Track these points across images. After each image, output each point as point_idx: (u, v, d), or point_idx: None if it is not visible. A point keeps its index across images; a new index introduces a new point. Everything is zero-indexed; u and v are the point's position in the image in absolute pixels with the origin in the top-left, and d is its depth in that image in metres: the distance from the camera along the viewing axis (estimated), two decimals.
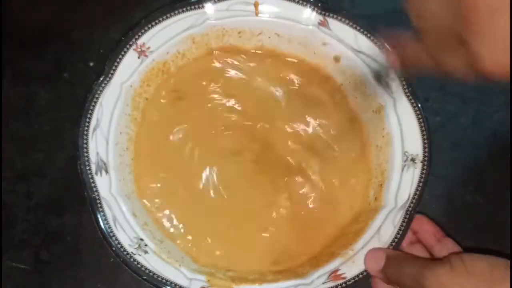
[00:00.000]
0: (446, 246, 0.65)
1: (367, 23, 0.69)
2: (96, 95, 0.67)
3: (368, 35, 0.69)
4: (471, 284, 0.53)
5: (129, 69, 0.69)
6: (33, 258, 0.71)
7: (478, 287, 0.52)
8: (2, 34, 0.73)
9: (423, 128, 0.68)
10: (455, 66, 0.47)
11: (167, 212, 0.71)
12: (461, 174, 0.74)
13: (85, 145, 0.66)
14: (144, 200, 0.70)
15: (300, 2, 0.69)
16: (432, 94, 0.75)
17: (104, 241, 0.65)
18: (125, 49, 0.68)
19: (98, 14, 0.75)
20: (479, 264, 0.54)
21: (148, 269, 0.65)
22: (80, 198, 0.67)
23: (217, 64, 0.74)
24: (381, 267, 0.63)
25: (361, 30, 0.69)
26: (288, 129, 0.74)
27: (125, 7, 0.74)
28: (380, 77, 0.68)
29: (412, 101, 0.68)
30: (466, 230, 0.73)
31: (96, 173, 0.66)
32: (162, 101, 0.73)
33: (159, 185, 0.71)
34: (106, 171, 0.67)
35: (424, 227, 0.67)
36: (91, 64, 0.74)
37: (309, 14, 0.70)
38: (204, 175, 0.72)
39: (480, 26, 0.41)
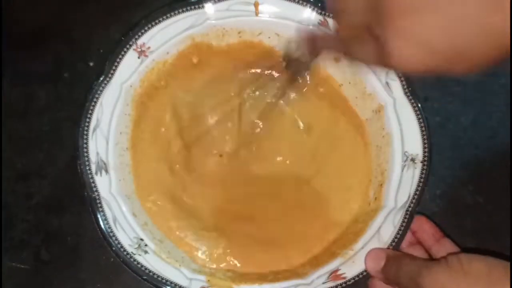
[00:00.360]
0: (444, 247, 0.65)
1: None
2: (96, 95, 0.67)
3: None
4: (468, 284, 0.53)
5: (129, 69, 0.69)
6: (33, 258, 0.71)
7: (475, 287, 0.52)
8: (2, 34, 0.73)
9: (423, 128, 0.68)
10: (363, 56, 0.49)
11: (167, 212, 0.71)
12: (461, 174, 0.74)
13: (85, 145, 0.66)
14: (144, 200, 0.70)
15: (300, 2, 0.69)
16: (432, 94, 0.74)
17: (104, 241, 0.65)
18: (125, 49, 0.68)
19: (98, 14, 0.75)
20: (477, 265, 0.54)
21: (148, 269, 0.65)
22: (80, 198, 0.67)
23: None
24: (381, 267, 0.63)
25: None
26: (289, 128, 0.74)
27: (125, 7, 0.74)
28: (289, 57, 0.69)
29: (412, 101, 0.68)
30: (466, 230, 0.73)
31: (96, 173, 0.67)
32: (162, 100, 0.73)
33: (158, 185, 0.71)
34: (106, 171, 0.67)
35: (423, 227, 0.67)
36: (91, 64, 0.74)
37: (309, 14, 0.70)
38: (204, 175, 0.73)
39: (393, 25, 0.41)
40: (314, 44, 0.60)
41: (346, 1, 0.47)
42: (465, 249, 0.65)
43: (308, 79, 0.71)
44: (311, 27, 0.69)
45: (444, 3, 0.40)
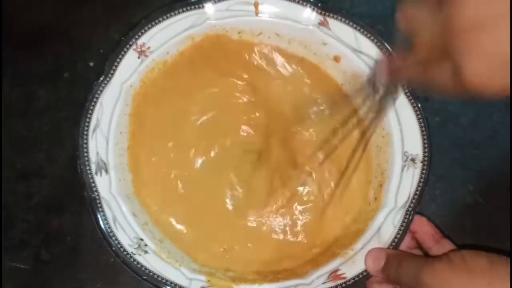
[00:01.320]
0: (444, 247, 0.65)
1: (367, 23, 0.69)
2: (96, 95, 0.67)
3: (368, 35, 0.69)
4: (470, 280, 0.53)
5: (129, 69, 0.69)
6: (33, 258, 0.71)
7: (477, 283, 0.52)
8: (2, 34, 0.73)
9: (423, 128, 0.68)
10: (441, 79, 0.47)
11: (166, 212, 0.71)
12: (461, 174, 0.74)
13: (85, 145, 0.67)
14: (144, 200, 0.70)
15: (300, 2, 0.69)
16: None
17: (104, 241, 0.65)
18: (125, 49, 0.68)
19: (98, 14, 0.75)
20: (479, 261, 0.54)
21: (148, 269, 0.65)
22: (80, 198, 0.67)
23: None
24: (381, 266, 0.63)
25: (361, 30, 0.69)
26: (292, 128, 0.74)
27: (125, 7, 0.74)
28: (371, 84, 0.68)
29: (412, 101, 0.68)
30: (466, 230, 0.73)
31: (96, 173, 0.67)
32: (162, 101, 0.73)
33: (158, 185, 0.71)
34: (106, 171, 0.67)
35: (423, 228, 0.67)
36: (91, 64, 0.74)
37: (309, 14, 0.70)
38: (205, 175, 0.73)
39: (464, 42, 0.41)
40: (394, 74, 0.59)
41: (414, 21, 0.47)
42: (465, 246, 0.65)
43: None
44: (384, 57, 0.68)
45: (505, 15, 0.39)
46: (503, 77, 0.41)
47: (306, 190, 0.73)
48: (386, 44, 0.68)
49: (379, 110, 0.66)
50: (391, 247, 0.66)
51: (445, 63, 0.44)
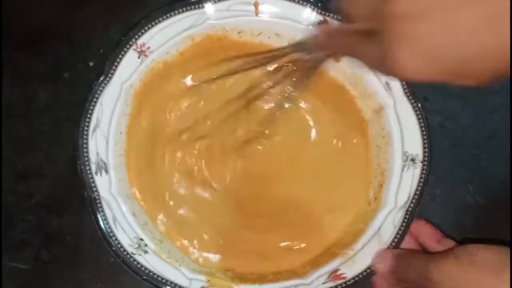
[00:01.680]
0: (446, 245, 0.65)
1: None
2: (96, 95, 0.67)
3: None
4: (477, 273, 0.53)
5: (129, 69, 0.69)
6: (33, 258, 0.71)
7: (483, 275, 0.52)
8: (2, 34, 0.73)
9: (423, 128, 0.68)
10: (368, 57, 0.47)
11: (166, 212, 0.71)
12: (461, 174, 0.74)
13: (85, 145, 0.67)
14: (143, 200, 0.70)
15: (300, 2, 0.69)
16: (432, 94, 0.74)
17: (104, 241, 0.65)
18: (125, 49, 0.68)
19: (98, 14, 0.75)
20: (484, 253, 0.54)
21: (148, 269, 0.65)
22: (80, 198, 0.67)
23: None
24: (390, 267, 0.63)
25: None
26: (291, 128, 0.74)
27: (125, 7, 0.74)
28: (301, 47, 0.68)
29: (412, 101, 0.68)
30: (466, 230, 0.73)
31: (96, 173, 0.67)
32: (162, 100, 0.73)
33: (158, 185, 0.72)
34: (106, 171, 0.67)
35: (423, 229, 0.67)
36: (91, 64, 0.74)
37: (309, 14, 0.70)
38: (204, 174, 0.73)
39: (394, 27, 0.40)
40: (324, 45, 0.58)
41: (358, 6, 0.46)
42: (466, 240, 0.65)
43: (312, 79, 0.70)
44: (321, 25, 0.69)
45: (446, 11, 0.38)
46: (430, 70, 0.41)
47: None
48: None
49: (302, 75, 0.67)
50: (391, 247, 0.66)
51: (375, 43, 0.44)
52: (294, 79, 0.71)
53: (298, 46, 0.65)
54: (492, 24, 0.37)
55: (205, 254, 0.71)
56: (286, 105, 0.74)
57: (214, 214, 0.72)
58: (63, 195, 0.72)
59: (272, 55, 0.68)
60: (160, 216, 0.71)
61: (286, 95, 0.74)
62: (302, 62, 0.64)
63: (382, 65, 0.44)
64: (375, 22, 0.43)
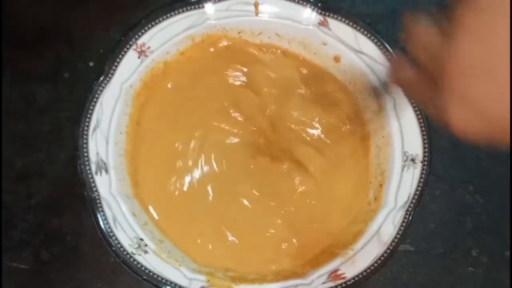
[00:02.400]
0: None
1: (367, 23, 0.69)
2: (96, 95, 0.67)
3: (368, 35, 0.69)
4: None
5: (129, 69, 0.69)
6: (33, 258, 0.71)
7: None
8: (2, 34, 0.73)
9: (423, 128, 0.68)
10: (422, 102, 0.47)
11: (166, 212, 0.71)
12: (461, 174, 0.74)
13: (85, 145, 0.67)
14: (143, 200, 0.70)
15: (300, 2, 0.69)
16: None
17: (104, 241, 0.65)
18: (125, 49, 0.68)
19: (98, 14, 0.75)
20: None
21: (148, 269, 0.65)
22: (80, 198, 0.67)
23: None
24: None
25: (361, 30, 0.69)
26: (293, 127, 0.74)
27: (125, 7, 0.74)
28: (376, 89, 0.68)
29: (412, 101, 0.68)
30: (466, 230, 0.73)
31: (96, 173, 0.67)
32: (162, 100, 0.73)
33: (158, 185, 0.72)
34: (106, 171, 0.67)
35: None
36: (91, 64, 0.74)
37: (309, 14, 0.70)
38: (204, 174, 0.73)
39: (455, 85, 0.40)
40: (398, 83, 0.54)
41: (418, 41, 0.45)
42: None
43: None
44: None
45: (505, 70, 0.37)
46: (483, 129, 0.40)
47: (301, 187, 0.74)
48: (385, 44, 0.69)
49: (379, 110, 0.66)
50: (391, 247, 0.66)
51: (433, 90, 0.43)
52: None
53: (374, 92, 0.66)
54: None
55: (205, 251, 0.71)
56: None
57: (214, 212, 0.72)
58: (63, 195, 0.72)
59: None
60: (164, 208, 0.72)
61: None
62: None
63: (436, 113, 0.43)
64: (434, 67, 0.42)
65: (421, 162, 0.68)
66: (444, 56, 0.40)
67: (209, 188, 0.72)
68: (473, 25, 0.39)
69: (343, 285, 0.65)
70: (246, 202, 0.72)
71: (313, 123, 0.73)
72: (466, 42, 0.39)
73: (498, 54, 0.38)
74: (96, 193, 0.66)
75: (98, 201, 0.66)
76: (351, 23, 0.69)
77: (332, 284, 0.66)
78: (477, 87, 0.38)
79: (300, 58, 0.74)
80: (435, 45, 0.43)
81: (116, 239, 0.65)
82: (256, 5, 0.70)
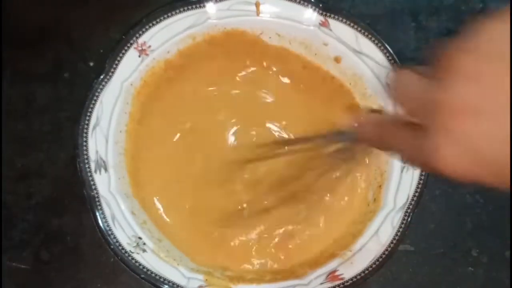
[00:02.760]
0: None
1: (367, 23, 0.69)
2: (97, 93, 0.67)
3: (369, 36, 0.69)
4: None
5: (129, 68, 0.69)
6: (33, 258, 0.71)
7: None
8: (2, 34, 0.73)
9: None
10: (409, 150, 0.44)
11: (165, 211, 0.71)
12: None
13: (84, 143, 0.67)
14: (142, 199, 0.71)
15: (301, 2, 0.69)
16: None
17: (102, 240, 0.65)
18: (126, 48, 0.68)
19: (98, 14, 0.75)
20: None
21: (146, 268, 0.65)
22: (80, 198, 0.67)
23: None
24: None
25: (362, 31, 0.69)
26: (291, 128, 0.74)
27: (125, 7, 0.74)
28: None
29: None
30: (466, 230, 0.73)
31: (95, 171, 0.67)
32: (162, 98, 0.73)
33: (157, 184, 0.72)
34: (105, 170, 0.67)
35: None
36: (91, 64, 0.74)
37: (310, 14, 0.70)
38: (203, 174, 0.73)
39: (448, 123, 0.37)
40: (372, 131, 0.51)
41: (406, 91, 0.43)
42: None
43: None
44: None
45: (505, 112, 0.35)
46: (473, 170, 0.38)
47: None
48: (386, 45, 0.68)
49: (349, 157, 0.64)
50: (389, 248, 0.66)
51: (419, 137, 0.41)
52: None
53: (338, 136, 0.63)
54: None
55: (204, 251, 0.71)
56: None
57: (213, 211, 0.72)
58: (63, 195, 0.72)
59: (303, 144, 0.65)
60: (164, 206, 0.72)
61: None
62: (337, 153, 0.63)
63: (423, 159, 0.41)
64: (424, 114, 0.41)
65: None
66: (436, 98, 0.39)
67: (209, 188, 0.72)
68: (467, 66, 0.38)
69: (341, 285, 0.65)
70: (245, 202, 0.72)
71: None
72: (460, 82, 0.37)
73: (497, 95, 0.36)
74: (95, 192, 0.66)
75: (97, 199, 0.66)
76: (352, 24, 0.69)
77: (330, 284, 0.66)
78: (473, 127, 0.36)
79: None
80: (424, 90, 0.41)
81: (115, 237, 0.65)
82: (257, 5, 0.70)
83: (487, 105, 0.36)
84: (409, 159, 0.45)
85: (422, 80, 0.41)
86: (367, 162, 0.72)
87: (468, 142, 0.37)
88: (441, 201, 0.74)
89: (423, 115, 0.40)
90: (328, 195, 0.73)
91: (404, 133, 0.44)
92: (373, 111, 0.69)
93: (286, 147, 0.70)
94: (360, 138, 0.53)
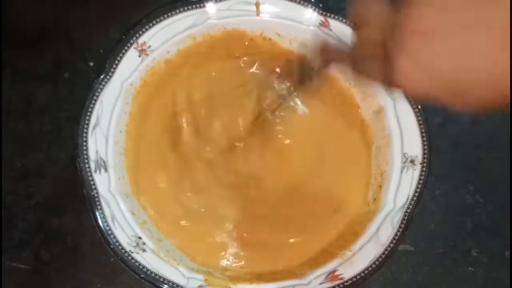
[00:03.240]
0: None
1: None
2: (97, 93, 0.67)
3: None
4: None
5: (129, 68, 0.69)
6: (33, 258, 0.71)
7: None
8: (2, 34, 0.73)
9: (423, 130, 0.68)
10: (371, 72, 0.46)
11: (165, 211, 0.71)
12: (461, 174, 0.74)
13: (84, 143, 0.67)
14: (142, 199, 0.71)
15: (302, 2, 0.69)
16: None
17: (102, 240, 0.65)
18: (126, 48, 0.68)
19: (98, 14, 0.75)
20: None
21: (146, 268, 0.65)
22: (80, 198, 0.67)
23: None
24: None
25: None
26: (293, 128, 0.74)
27: (125, 7, 0.74)
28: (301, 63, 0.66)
29: (412, 102, 0.68)
30: (466, 230, 0.73)
31: (95, 171, 0.67)
32: (162, 98, 0.73)
33: (157, 184, 0.72)
34: (105, 169, 0.67)
35: None
36: (91, 64, 0.74)
37: (310, 14, 0.70)
38: (203, 173, 0.73)
39: (407, 42, 0.39)
40: (326, 54, 0.56)
41: (369, 15, 0.44)
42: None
43: (318, 85, 0.70)
44: (324, 36, 0.68)
45: (457, 30, 0.37)
46: (429, 87, 0.40)
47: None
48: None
49: (303, 80, 0.65)
50: (389, 248, 0.66)
51: (379, 59, 0.43)
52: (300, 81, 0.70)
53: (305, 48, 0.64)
54: (506, 49, 0.35)
55: (204, 251, 0.71)
56: (289, 104, 0.75)
57: (213, 211, 0.72)
58: (63, 195, 0.72)
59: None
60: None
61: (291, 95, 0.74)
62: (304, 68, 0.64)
63: (385, 77, 0.43)
64: (384, 32, 0.42)
65: (420, 163, 0.68)
66: (398, 20, 0.40)
67: (208, 188, 0.72)
68: None
69: (341, 285, 0.65)
70: (245, 203, 0.72)
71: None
72: (421, 6, 0.39)
73: (459, 23, 0.37)
74: (95, 191, 0.66)
75: (97, 199, 0.66)
76: (352, 24, 0.69)
77: (329, 284, 0.65)
78: (430, 47, 0.38)
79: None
80: (385, 12, 0.42)
81: (115, 237, 0.65)
82: (257, 5, 0.70)
83: (446, 27, 0.37)
84: (373, 75, 0.46)
85: (383, 2, 0.43)
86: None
87: (425, 60, 0.39)
88: (441, 201, 0.74)
89: (385, 36, 0.42)
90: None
91: (359, 54, 0.46)
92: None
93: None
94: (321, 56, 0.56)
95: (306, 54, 0.65)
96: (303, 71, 0.66)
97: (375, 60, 0.44)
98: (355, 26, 0.47)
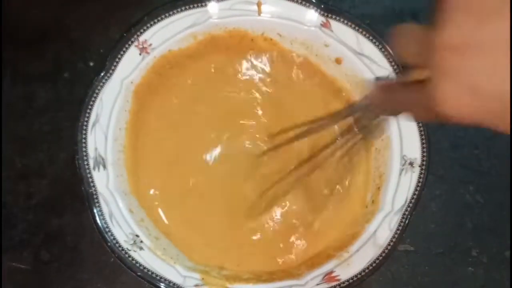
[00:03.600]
0: None
1: (367, 23, 0.69)
2: (97, 91, 0.67)
3: (370, 37, 0.69)
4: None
5: (130, 66, 0.69)
6: (33, 258, 0.71)
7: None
8: (2, 34, 0.73)
9: (422, 133, 0.67)
10: (416, 105, 0.43)
11: (163, 209, 0.72)
12: (461, 174, 0.74)
13: (83, 140, 0.66)
14: (141, 197, 0.71)
15: (303, 3, 0.69)
16: None
17: (100, 237, 0.65)
18: (127, 46, 0.68)
19: (98, 14, 0.75)
20: None
21: (143, 266, 0.65)
22: (80, 198, 0.67)
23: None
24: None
25: (363, 32, 0.69)
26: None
27: (125, 7, 0.74)
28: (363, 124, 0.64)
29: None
30: (466, 230, 0.73)
31: (94, 168, 0.67)
32: (162, 97, 0.73)
33: (156, 182, 0.72)
34: (104, 167, 0.67)
35: None
36: (91, 64, 0.74)
37: (311, 15, 0.70)
38: (202, 173, 0.73)
39: (444, 62, 0.37)
40: (382, 96, 0.50)
41: (403, 44, 0.42)
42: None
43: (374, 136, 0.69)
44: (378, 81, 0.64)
45: (501, 44, 0.34)
46: (473, 107, 0.37)
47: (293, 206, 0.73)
48: (387, 47, 0.68)
49: (366, 131, 0.64)
50: (386, 250, 0.66)
51: (423, 88, 0.40)
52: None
53: (354, 109, 0.62)
54: None
55: (201, 249, 0.71)
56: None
57: (211, 211, 0.72)
58: (63, 195, 0.72)
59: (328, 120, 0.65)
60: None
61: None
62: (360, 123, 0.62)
63: (428, 106, 0.39)
64: (425, 59, 0.39)
65: (419, 166, 0.67)
66: (433, 39, 0.37)
67: (208, 187, 0.72)
68: (463, 2, 0.37)
69: (337, 287, 0.65)
70: (244, 203, 0.72)
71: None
72: (456, 18, 0.36)
73: (496, 30, 0.35)
74: (93, 189, 0.66)
75: (95, 196, 0.66)
76: (353, 26, 0.69)
77: (326, 285, 0.65)
78: (472, 63, 0.35)
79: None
80: (423, 35, 0.40)
81: (112, 235, 0.65)
82: (259, 4, 0.70)
83: (484, 40, 0.35)
84: (419, 114, 0.44)
85: (421, 28, 0.41)
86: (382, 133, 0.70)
87: (467, 79, 0.36)
88: (441, 201, 0.74)
89: (425, 60, 0.39)
90: (341, 188, 0.73)
91: (411, 89, 0.43)
92: (378, 78, 0.68)
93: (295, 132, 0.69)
94: (373, 105, 0.52)
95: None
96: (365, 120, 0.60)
97: (418, 94, 0.41)
98: (404, 67, 0.45)
